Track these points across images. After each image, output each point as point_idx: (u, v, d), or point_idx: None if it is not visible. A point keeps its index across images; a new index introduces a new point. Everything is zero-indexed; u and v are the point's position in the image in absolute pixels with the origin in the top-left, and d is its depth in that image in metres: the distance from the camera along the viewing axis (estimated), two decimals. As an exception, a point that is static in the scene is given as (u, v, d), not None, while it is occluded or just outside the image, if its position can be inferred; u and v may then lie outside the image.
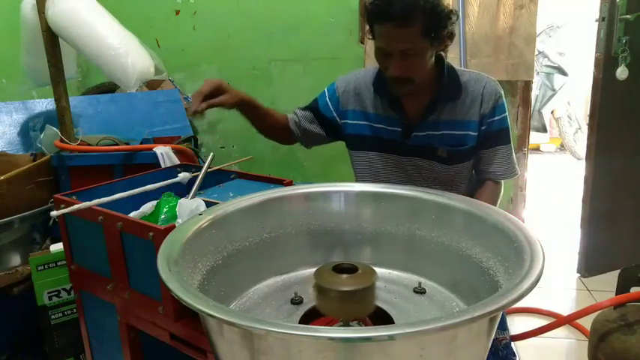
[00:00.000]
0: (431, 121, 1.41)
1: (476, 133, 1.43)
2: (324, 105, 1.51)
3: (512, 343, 1.62)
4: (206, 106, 1.24)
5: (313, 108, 1.53)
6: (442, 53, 1.40)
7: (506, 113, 1.44)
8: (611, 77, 2.21)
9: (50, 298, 1.50)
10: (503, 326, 1.58)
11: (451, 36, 1.29)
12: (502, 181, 1.50)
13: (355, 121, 1.49)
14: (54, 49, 1.79)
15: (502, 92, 1.43)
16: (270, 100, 2.96)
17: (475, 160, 1.49)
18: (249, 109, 1.43)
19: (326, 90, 1.53)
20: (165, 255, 0.76)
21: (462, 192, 1.39)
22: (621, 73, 2.17)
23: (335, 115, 1.50)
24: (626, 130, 2.38)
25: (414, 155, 1.45)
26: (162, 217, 1.11)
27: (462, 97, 1.40)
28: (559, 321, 1.60)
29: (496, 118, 1.42)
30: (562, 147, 4.94)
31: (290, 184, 1.20)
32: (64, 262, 1.36)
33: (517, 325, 2.07)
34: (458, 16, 1.35)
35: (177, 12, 2.91)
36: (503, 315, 1.62)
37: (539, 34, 3.79)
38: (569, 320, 1.62)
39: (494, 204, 1.47)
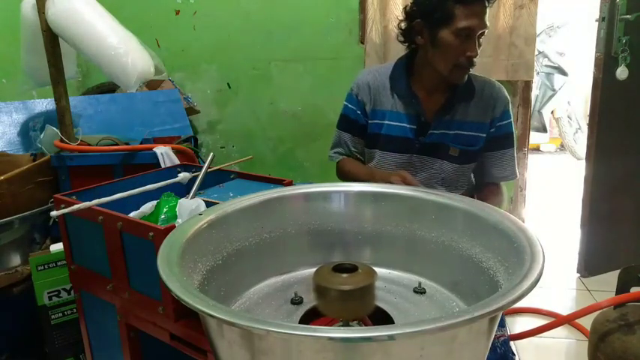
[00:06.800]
0: (446, 120, 1.44)
1: (484, 135, 1.47)
2: (355, 116, 1.54)
3: (511, 342, 1.62)
4: None
5: (354, 129, 1.56)
6: None
7: (512, 118, 1.51)
8: (611, 77, 2.21)
9: (50, 298, 1.50)
10: (501, 323, 1.58)
11: None
12: (502, 184, 1.53)
13: (373, 121, 1.51)
14: (54, 49, 1.79)
15: (509, 98, 1.51)
16: (270, 100, 2.97)
17: (479, 163, 1.51)
18: None
19: (347, 103, 1.56)
20: (165, 255, 0.76)
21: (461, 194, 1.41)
22: (621, 73, 2.17)
23: (365, 118, 1.54)
24: (626, 130, 2.38)
25: (426, 154, 1.48)
26: (162, 217, 1.11)
27: (475, 99, 1.45)
28: (558, 320, 1.60)
29: (505, 122, 1.48)
30: (562, 147, 4.94)
31: (290, 184, 1.20)
32: (64, 262, 1.36)
33: (517, 324, 2.07)
34: None
35: (178, 12, 2.92)
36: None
37: (539, 34, 3.79)
38: (568, 320, 1.62)
39: (501, 205, 1.52)
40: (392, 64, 1.52)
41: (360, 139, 1.57)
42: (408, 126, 1.47)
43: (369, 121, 1.52)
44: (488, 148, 1.49)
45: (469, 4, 1.30)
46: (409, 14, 1.42)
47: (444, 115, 1.44)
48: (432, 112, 1.46)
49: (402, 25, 1.44)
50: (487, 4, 1.32)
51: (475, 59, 1.35)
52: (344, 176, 1.58)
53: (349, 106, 1.55)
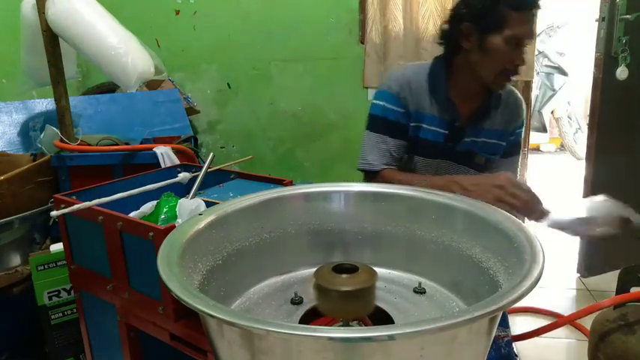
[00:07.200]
0: (477, 127, 1.42)
1: (504, 144, 1.46)
2: (396, 116, 1.42)
3: (512, 343, 1.62)
4: None
5: (396, 131, 1.43)
6: None
7: None
8: (611, 77, 2.21)
9: (50, 298, 1.50)
10: (504, 324, 1.58)
11: None
12: None
13: (414, 123, 1.44)
14: (54, 49, 1.79)
15: None
16: (270, 100, 2.97)
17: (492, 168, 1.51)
18: None
19: (383, 102, 1.43)
20: (165, 255, 0.76)
21: None
22: (621, 73, 2.17)
23: (406, 119, 1.43)
24: (626, 129, 2.38)
25: (453, 160, 1.45)
26: (162, 217, 1.11)
27: (501, 106, 1.43)
28: (559, 321, 1.60)
29: (522, 129, 1.48)
30: (562, 147, 4.94)
31: (290, 184, 1.20)
32: (64, 262, 1.36)
33: (517, 325, 2.07)
34: None
35: (178, 12, 2.92)
36: (504, 313, 1.62)
37: (539, 34, 3.79)
38: (569, 320, 1.62)
39: None
40: (427, 64, 1.44)
41: (402, 142, 1.44)
42: (441, 131, 1.42)
43: (411, 124, 1.42)
44: (504, 154, 1.49)
45: (522, 10, 1.27)
46: (456, 16, 1.35)
47: (478, 122, 1.41)
48: (464, 118, 1.42)
49: (445, 26, 1.38)
50: (538, 9, 1.31)
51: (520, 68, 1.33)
52: None
53: (388, 106, 1.41)
